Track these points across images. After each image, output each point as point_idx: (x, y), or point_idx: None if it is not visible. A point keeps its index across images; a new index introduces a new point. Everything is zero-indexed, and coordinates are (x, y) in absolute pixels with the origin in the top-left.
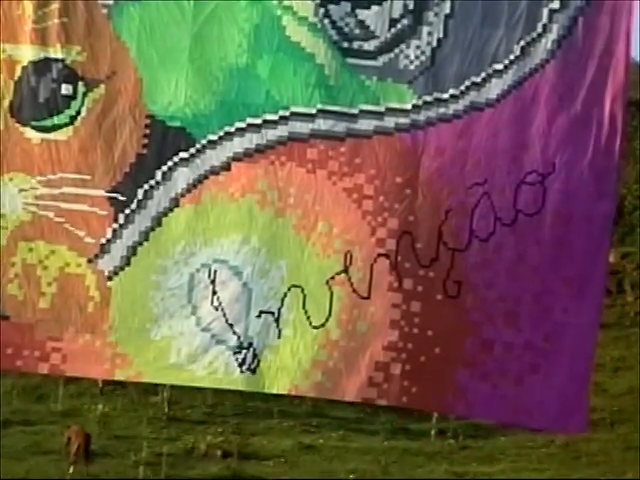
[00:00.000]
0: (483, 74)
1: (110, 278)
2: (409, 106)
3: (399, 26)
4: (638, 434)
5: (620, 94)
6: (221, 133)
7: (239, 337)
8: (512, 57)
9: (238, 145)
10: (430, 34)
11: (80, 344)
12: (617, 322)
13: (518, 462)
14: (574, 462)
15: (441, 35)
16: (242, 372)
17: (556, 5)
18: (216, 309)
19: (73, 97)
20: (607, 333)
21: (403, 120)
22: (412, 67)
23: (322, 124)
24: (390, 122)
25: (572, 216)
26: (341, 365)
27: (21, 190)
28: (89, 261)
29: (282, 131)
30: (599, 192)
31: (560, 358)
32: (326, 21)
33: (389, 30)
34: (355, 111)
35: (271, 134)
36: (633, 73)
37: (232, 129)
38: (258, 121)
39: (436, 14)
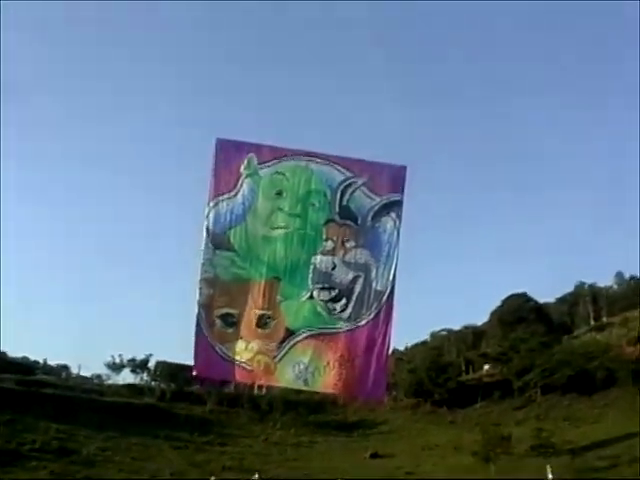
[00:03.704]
0: (360, 318)
1: (278, 362)
2: (350, 326)
3: (347, 308)
4: None
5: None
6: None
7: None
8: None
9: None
10: (351, 307)
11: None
12: None
13: None
14: None
15: (352, 305)
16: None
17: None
18: None
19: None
20: None
21: (346, 329)
22: (346, 316)
23: (328, 333)
24: (344, 329)
25: (375, 344)
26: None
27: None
28: (273, 358)
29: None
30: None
31: (375, 366)
32: (324, 305)
33: (343, 309)
34: (339, 326)
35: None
36: None
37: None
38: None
39: (351, 301)
